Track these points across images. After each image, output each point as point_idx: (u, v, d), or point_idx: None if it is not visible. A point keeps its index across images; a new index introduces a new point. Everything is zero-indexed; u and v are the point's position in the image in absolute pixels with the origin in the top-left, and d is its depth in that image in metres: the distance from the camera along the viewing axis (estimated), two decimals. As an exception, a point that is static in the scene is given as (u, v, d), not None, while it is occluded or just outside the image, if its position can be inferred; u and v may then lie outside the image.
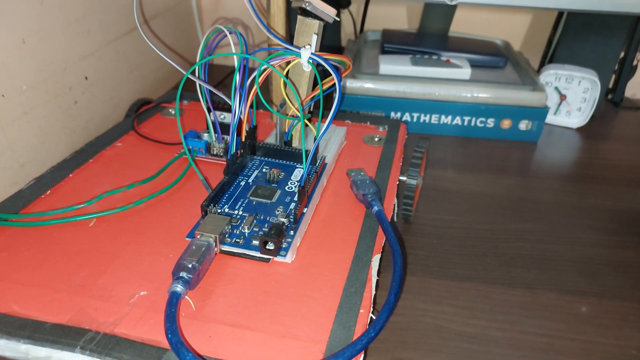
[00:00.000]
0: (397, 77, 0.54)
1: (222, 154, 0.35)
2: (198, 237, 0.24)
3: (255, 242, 0.25)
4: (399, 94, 0.54)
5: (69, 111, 0.43)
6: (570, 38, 0.59)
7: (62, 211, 0.28)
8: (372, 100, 0.54)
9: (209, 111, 0.33)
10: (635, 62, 0.62)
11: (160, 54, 0.29)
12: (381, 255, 0.27)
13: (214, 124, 0.34)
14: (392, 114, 0.55)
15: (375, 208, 0.28)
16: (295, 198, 0.28)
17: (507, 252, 0.38)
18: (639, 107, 0.63)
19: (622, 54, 0.61)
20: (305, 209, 0.28)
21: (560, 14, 0.62)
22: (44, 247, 0.26)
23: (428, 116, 0.54)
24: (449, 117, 0.54)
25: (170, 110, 0.43)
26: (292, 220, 0.26)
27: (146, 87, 0.56)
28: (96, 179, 0.32)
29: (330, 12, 0.31)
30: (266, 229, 0.25)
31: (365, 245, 0.27)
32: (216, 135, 0.35)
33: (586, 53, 0.58)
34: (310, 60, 0.29)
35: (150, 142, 0.37)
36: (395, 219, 0.39)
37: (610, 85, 0.65)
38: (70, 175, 0.33)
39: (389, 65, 0.55)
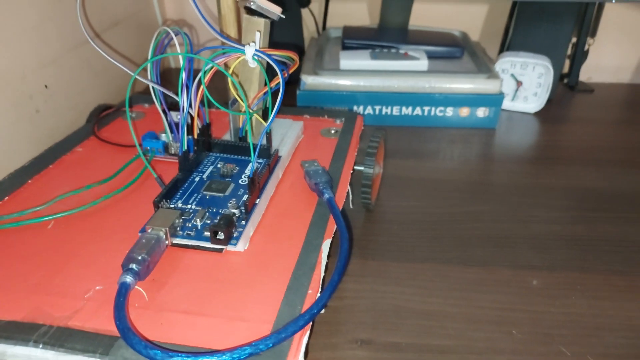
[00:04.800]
0: (357, 71, 0.56)
1: (179, 153, 0.35)
2: (149, 231, 0.25)
3: (207, 234, 0.26)
4: (359, 88, 0.55)
5: (31, 120, 0.44)
6: (524, 26, 0.61)
7: (18, 215, 0.29)
8: (334, 95, 0.55)
9: (165, 112, 0.34)
10: (586, 47, 0.64)
11: (111, 60, 0.30)
12: (332, 241, 0.28)
13: (169, 124, 0.35)
14: (355, 108, 0.56)
15: (326, 195, 0.29)
16: (247, 190, 0.29)
17: (463, 233, 0.40)
18: (593, 90, 0.66)
19: (574, 40, 0.63)
20: (258, 200, 0.29)
21: (515, 3, 0.64)
22: (1, 250, 0.26)
23: (389, 108, 0.56)
24: (409, 108, 0.56)
25: (131, 113, 0.43)
26: (243, 210, 0.27)
27: (111, 93, 0.57)
28: (56, 184, 0.33)
29: (275, 10, 0.32)
30: (217, 220, 0.26)
31: (316, 231, 0.28)
32: (173, 135, 0.35)
33: (539, 40, 0.60)
34: (256, 57, 0.30)
35: (110, 146, 0.38)
36: (351, 207, 0.40)
37: (566, 70, 0.67)
38: (29, 181, 0.33)
39: (349, 60, 0.56)
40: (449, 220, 0.41)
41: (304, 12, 0.69)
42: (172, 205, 0.28)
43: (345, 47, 0.60)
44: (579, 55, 0.64)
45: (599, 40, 0.66)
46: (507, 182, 0.47)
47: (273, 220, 0.29)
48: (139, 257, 0.22)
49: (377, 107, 0.56)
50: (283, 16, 0.32)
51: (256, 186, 0.28)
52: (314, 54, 0.61)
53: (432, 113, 0.56)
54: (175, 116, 0.37)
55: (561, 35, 0.60)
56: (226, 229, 0.25)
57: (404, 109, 0.56)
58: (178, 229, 0.26)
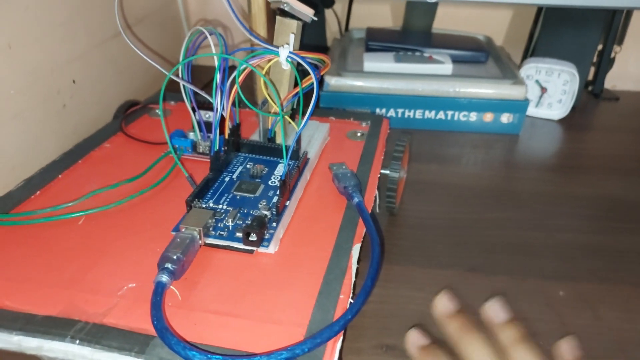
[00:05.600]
0: (381, 74, 0.55)
1: (208, 152, 0.35)
2: (183, 230, 0.25)
3: (239, 234, 0.26)
4: (383, 91, 0.55)
5: (58, 114, 0.44)
6: (550, 32, 0.60)
7: (51, 210, 0.29)
8: (357, 97, 0.55)
9: (194, 111, 0.34)
10: (612, 55, 0.63)
11: (144, 57, 0.30)
12: (362, 245, 0.28)
13: (198, 123, 0.35)
14: (377, 110, 0.56)
15: (356, 199, 0.29)
16: (278, 192, 0.29)
17: (487, 240, 0.39)
18: (618, 98, 0.65)
19: (600, 47, 0.63)
20: (288, 202, 0.29)
21: (541, 8, 0.63)
22: (34, 245, 0.27)
23: (412, 111, 0.55)
24: (433, 112, 0.55)
25: (158, 111, 0.43)
26: (274, 212, 0.27)
27: (135, 89, 0.57)
28: (84, 179, 0.33)
29: (307, 12, 0.32)
30: (249, 222, 0.26)
31: (346, 235, 0.28)
32: (201, 133, 0.35)
33: (565, 46, 0.60)
34: (289, 59, 0.30)
35: (138, 143, 0.38)
36: (377, 211, 0.40)
37: (590, 77, 0.66)
38: (59, 176, 0.33)
39: (373, 62, 0.56)
40: (472, 226, 0.41)
41: (327, 12, 0.69)
42: (203, 205, 0.28)
43: (368, 49, 0.60)
44: (605, 63, 0.63)
45: (625, 48, 0.65)
46: (531, 190, 0.46)
47: (302, 223, 0.29)
48: (175, 257, 0.23)
49: (400, 110, 0.55)
50: (315, 18, 0.32)
51: (287, 188, 0.28)
52: (337, 55, 0.60)
53: (456, 117, 0.55)
54: (203, 115, 0.38)
55: (588, 42, 0.59)
56: (259, 230, 0.25)
57: (427, 112, 0.55)
58: (211, 229, 0.26)
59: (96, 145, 0.38)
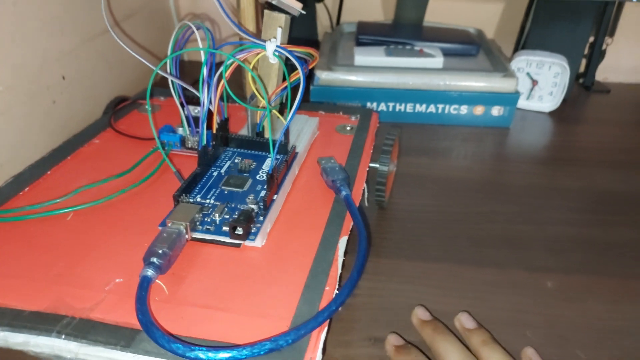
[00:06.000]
0: (371, 67, 0.55)
1: (196, 147, 0.35)
2: (169, 225, 0.25)
3: (226, 228, 0.26)
4: (374, 84, 0.55)
5: (48, 111, 0.44)
6: (541, 24, 0.60)
7: (39, 206, 0.29)
8: (348, 91, 0.55)
9: (182, 106, 0.34)
10: (604, 47, 0.63)
11: (132, 53, 0.30)
12: (349, 238, 0.28)
13: (187, 118, 0.35)
14: (368, 104, 0.56)
15: (343, 193, 0.29)
16: (266, 186, 0.29)
17: (477, 233, 0.40)
18: (609, 90, 0.65)
19: (591, 39, 0.63)
20: (276, 195, 0.29)
21: (532, 1, 0.63)
22: (23, 241, 0.27)
23: (403, 105, 0.55)
24: (423, 106, 0.55)
25: (147, 106, 0.43)
26: (261, 206, 0.27)
27: (126, 85, 0.57)
28: (73, 175, 0.33)
29: (295, 5, 0.32)
30: (236, 216, 0.26)
31: (333, 228, 0.28)
32: (190, 129, 0.35)
33: (556, 38, 0.60)
34: (276, 53, 0.29)
35: (127, 138, 0.38)
36: (366, 204, 0.40)
37: (582, 69, 0.66)
38: (48, 172, 0.33)
39: (364, 56, 0.56)
40: (462, 219, 0.41)
41: (318, 6, 0.69)
42: (191, 200, 0.28)
43: (359, 43, 0.60)
44: (596, 55, 0.63)
45: (616, 40, 0.65)
46: (521, 183, 0.46)
47: (290, 217, 0.29)
48: (161, 251, 0.23)
49: (391, 104, 0.56)
50: (304, 12, 0.32)
51: (275, 182, 0.28)
52: (328, 49, 0.60)
53: (447, 111, 0.55)
54: (192, 110, 0.38)
55: (579, 35, 0.59)
56: (245, 224, 0.25)
57: (418, 106, 0.55)
58: (198, 223, 0.26)
59: (85, 141, 0.37)
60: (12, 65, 0.39)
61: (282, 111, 0.36)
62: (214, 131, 0.31)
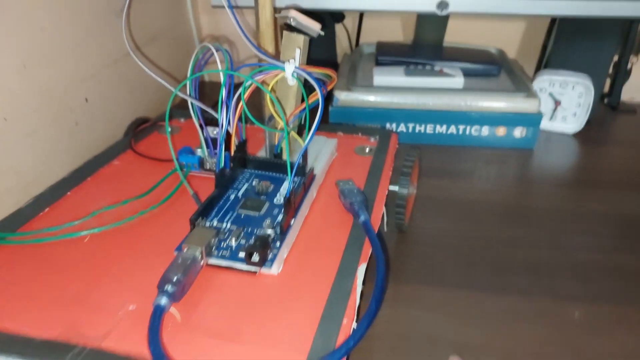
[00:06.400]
0: (391, 88, 0.55)
1: (215, 169, 0.35)
2: (185, 250, 0.25)
3: (242, 254, 0.26)
4: (393, 105, 0.54)
5: (71, 132, 0.45)
6: (564, 43, 0.59)
7: (57, 228, 0.29)
8: (367, 112, 0.55)
9: (201, 127, 0.34)
10: (629, 65, 0.62)
11: (151, 74, 0.30)
12: (368, 265, 0.28)
13: (205, 139, 0.35)
14: (388, 125, 0.55)
15: (362, 217, 0.29)
16: (283, 210, 0.29)
17: (500, 259, 0.38)
18: (636, 111, 0.63)
19: (616, 58, 0.61)
20: (293, 220, 0.28)
21: (554, 19, 0.62)
22: (40, 263, 0.27)
23: (423, 126, 0.55)
24: (444, 127, 0.55)
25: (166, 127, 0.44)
26: (278, 231, 0.27)
27: (147, 106, 0.58)
28: (93, 197, 0.33)
29: (314, 26, 0.32)
30: (252, 242, 0.26)
31: (351, 254, 0.27)
32: (208, 150, 0.35)
33: (579, 58, 0.58)
34: (295, 74, 0.29)
35: (146, 160, 0.38)
36: (385, 229, 0.39)
37: (607, 89, 0.65)
38: (69, 193, 0.34)
39: (383, 76, 0.56)
40: (484, 245, 0.40)
41: (338, 27, 0.69)
42: (207, 224, 0.28)
43: (378, 63, 0.60)
44: (622, 74, 0.62)
45: (642, 59, 0.63)
46: (545, 206, 0.45)
47: (307, 242, 0.28)
48: (175, 278, 0.22)
49: (411, 125, 0.55)
50: (322, 33, 0.32)
51: (292, 206, 0.28)
52: (347, 70, 0.60)
53: (468, 132, 0.54)
54: (211, 131, 0.38)
55: (603, 53, 0.58)
56: (261, 250, 0.24)
57: (438, 127, 0.55)
58: (213, 248, 0.26)
59: (105, 162, 0.38)
60: (38, 89, 0.40)
61: (300, 132, 0.36)
62: (232, 153, 0.31)
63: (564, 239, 0.40)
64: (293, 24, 0.31)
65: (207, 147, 0.36)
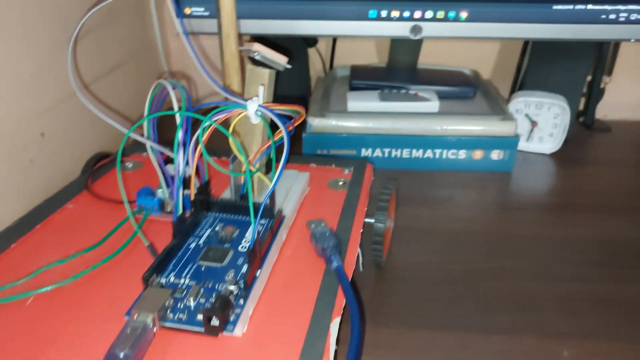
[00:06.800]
0: (365, 113, 0.53)
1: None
2: (135, 316, 0.22)
3: (200, 317, 0.23)
4: (368, 130, 0.53)
5: (25, 171, 0.42)
6: (538, 64, 0.59)
7: (-4, 290, 0.26)
8: (341, 138, 0.53)
9: (161, 168, 0.32)
10: (602, 85, 0.62)
11: (100, 115, 0.28)
12: (343, 314, 0.25)
13: (166, 179, 0.33)
14: (363, 151, 0.54)
15: (335, 264, 0.27)
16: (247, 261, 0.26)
17: (484, 293, 0.36)
18: (610, 129, 0.63)
19: (589, 77, 0.61)
20: (259, 270, 0.26)
21: (527, 41, 0.62)
22: (-27, 332, 0.24)
23: (399, 151, 0.53)
24: (420, 151, 0.53)
25: (127, 164, 0.41)
26: (242, 286, 0.25)
27: (110, 139, 0.54)
28: (40, 249, 0.30)
29: (280, 60, 0.30)
30: (212, 303, 0.23)
31: (324, 307, 0.25)
32: (170, 191, 0.33)
33: (554, 78, 0.58)
34: (259, 113, 0.27)
35: (104, 202, 0.36)
36: (361, 269, 0.37)
37: (581, 107, 0.65)
38: (14, 244, 0.31)
39: (357, 102, 0.54)
40: (467, 278, 0.38)
41: (311, 51, 0.68)
42: (163, 280, 0.25)
43: (353, 88, 0.59)
44: (595, 94, 0.62)
45: (614, 78, 0.64)
46: (527, 233, 0.44)
47: (275, 294, 0.26)
48: (122, 354, 0.20)
49: (387, 150, 0.53)
50: (289, 66, 0.30)
51: (257, 257, 0.25)
52: (321, 95, 0.59)
53: (444, 156, 0.53)
54: (172, 169, 0.35)
55: (577, 74, 0.58)
56: (221, 313, 0.22)
57: (414, 151, 0.53)
58: (169, 311, 0.23)
59: (58, 206, 0.35)
60: (-16, 127, 0.37)
61: (268, 168, 0.33)
62: (192, 197, 0.29)
63: (548, 269, 0.39)
64: (258, 58, 0.29)
65: (168, 186, 0.33)
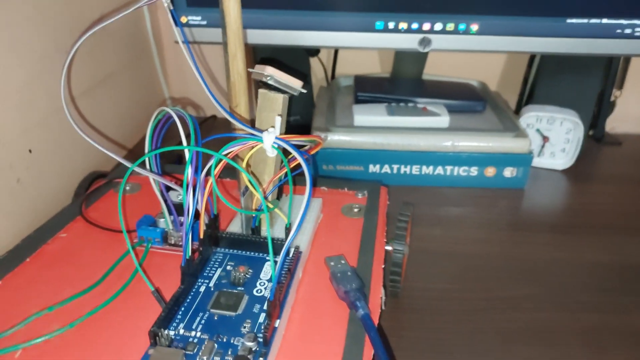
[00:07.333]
0: (373, 128, 0.51)
1: (180, 244, 0.30)
2: (143, 384, 0.19)
3: (217, 380, 0.20)
4: (376, 146, 0.50)
5: (11, 192, 0.38)
6: (548, 77, 0.57)
7: (-20, 343, 0.23)
8: (349, 153, 0.51)
9: (163, 196, 0.29)
10: (612, 98, 0.60)
11: (93, 143, 0.25)
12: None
13: (169, 208, 0.30)
14: (371, 167, 0.51)
15: (361, 312, 0.24)
16: (265, 307, 0.24)
17: (505, 325, 0.35)
18: (621, 143, 0.62)
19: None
20: (278, 320, 0.24)
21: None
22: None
23: (408, 167, 0.51)
24: (430, 167, 0.51)
25: (125, 186, 0.38)
26: (260, 340, 0.22)
27: (105, 157, 0.51)
28: (32, 288, 0.27)
29: (295, 84, 0.28)
30: (229, 358, 0.21)
31: (351, 362, 0.23)
32: (172, 220, 0.30)
33: (565, 92, 0.57)
34: (275, 145, 0.25)
35: (100, 230, 0.33)
36: (383, 308, 0.34)
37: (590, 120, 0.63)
38: (0, 282, 0.28)
39: (364, 116, 0.52)
40: (486, 307, 0.36)
41: (312, 60, 0.65)
42: (172, 332, 0.23)
43: (358, 100, 0.56)
44: (605, 107, 0.60)
45: (624, 90, 0.62)
46: (544, 257, 0.42)
47: (297, 347, 0.24)
48: None
49: (396, 166, 0.51)
50: (304, 90, 0.28)
51: (277, 308, 0.23)
52: (325, 107, 0.56)
53: (455, 173, 0.51)
54: (175, 196, 0.33)
55: (588, 88, 0.56)
56: (242, 379, 0.19)
57: (424, 168, 0.51)
58: (181, 373, 0.21)
59: (50, 236, 0.32)
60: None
61: (279, 196, 0.31)
62: (201, 235, 0.26)
63: (570, 297, 0.37)
64: (270, 82, 0.26)
65: (171, 214, 0.31)
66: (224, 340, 0.22)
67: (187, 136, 0.25)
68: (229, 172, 0.40)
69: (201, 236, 0.26)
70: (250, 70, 0.28)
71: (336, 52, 0.65)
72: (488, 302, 0.37)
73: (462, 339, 0.33)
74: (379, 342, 0.23)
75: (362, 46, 0.51)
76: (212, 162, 0.23)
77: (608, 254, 0.42)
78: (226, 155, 0.23)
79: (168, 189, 0.31)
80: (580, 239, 0.44)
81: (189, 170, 0.23)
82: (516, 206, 0.49)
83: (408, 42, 0.50)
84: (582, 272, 0.40)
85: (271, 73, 0.26)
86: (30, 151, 0.41)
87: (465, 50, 0.50)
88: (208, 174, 0.24)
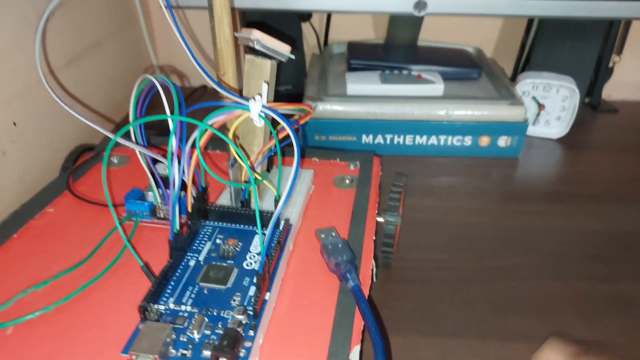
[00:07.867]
0: (366, 97, 0.50)
1: (169, 218, 0.30)
2: (132, 358, 0.19)
3: (207, 353, 0.20)
4: (369, 116, 0.50)
5: (-4, 165, 0.38)
6: (546, 43, 0.56)
7: (-32, 319, 0.23)
8: (341, 123, 0.50)
9: (151, 170, 0.29)
10: (610, 64, 0.59)
11: (75, 114, 0.24)
12: (362, 346, 0.23)
13: (156, 180, 0.29)
14: (364, 137, 0.51)
15: (351, 283, 0.24)
16: (254, 280, 0.24)
17: (499, 295, 0.35)
18: (617, 110, 0.61)
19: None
20: (268, 293, 0.23)
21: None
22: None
23: (402, 137, 0.50)
24: (424, 137, 0.50)
25: (113, 158, 0.37)
26: (250, 313, 0.22)
27: (92, 129, 0.50)
28: (20, 264, 0.27)
29: (283, 49, 0.26)
30: (219, 331, 0.20)
31: (342, 334, 0.23)
32: (161, 192, 0.30)
33: (563, 58, 0.55)
34: (262, 114, 0.24)
35: (88, 205, 0.32)
36: (374, 280, 0.34)
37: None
38: (-14, 259, 0.27)
39: (357, 84, 0.51)
40: (480, 277, 0.36)
41: (304, 26, 0.63)
42: (162, 307, 0.22)
43: (351, 68, 0.55)
44: (603, 73, 0.59)
45: (622, 57, 0.61)
46: (538, 226, 0.42)
47: (287, 319, 0.24)
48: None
49: (389, 136, 0.50)
50: (292, 56, 0.27)
51: (266, 280, 0.23)
52: (317, 76, 0.55)
53: (449, 142, 0.50)
54: (162, 169, 0.32)
55: (587, 54, 0.55)
56: (232, 352, 0.19)
57: (418, 137, 0.50)
58: (170, 347, 0.20)
59: (37, 211, 0.31)
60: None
61: (269, 167, 0.30)
62: (189, 208, 0.26)
63: (563, 266, 0.37)
64: (257, 47, 0.25)
65: (159, 187, 0.30)
66: (214, 313, 0.22)
67: (173, 105, 0.24)
68: (220, 144, 0.39)
69: (189, 209, 0.25)
70: (236, 34, 0.26)
71: (329, 17, 0.63)
72: (481, 271, 0.37)
73: (454, 309, 0.33)
74: (369, 313, 0.23)
75: (356, 10, 0.49)
76: (196, 132, 0.22)
77: (602, 222, 0.42)
78: (211, 125, 0.23)
79: (155, 161, 0.30)
80: (574, 208, 0.44)
81: (174, 141, 0.23)
82: (510, 175, 0.49)
83: (403, 5, 0.48)
84: (577, 241, 0.40)
85: (258, 37, 0.25)
86: (14, 124, 0.40)
87: (461, 14, 0.49)
88: (194, 145, 0.23)
